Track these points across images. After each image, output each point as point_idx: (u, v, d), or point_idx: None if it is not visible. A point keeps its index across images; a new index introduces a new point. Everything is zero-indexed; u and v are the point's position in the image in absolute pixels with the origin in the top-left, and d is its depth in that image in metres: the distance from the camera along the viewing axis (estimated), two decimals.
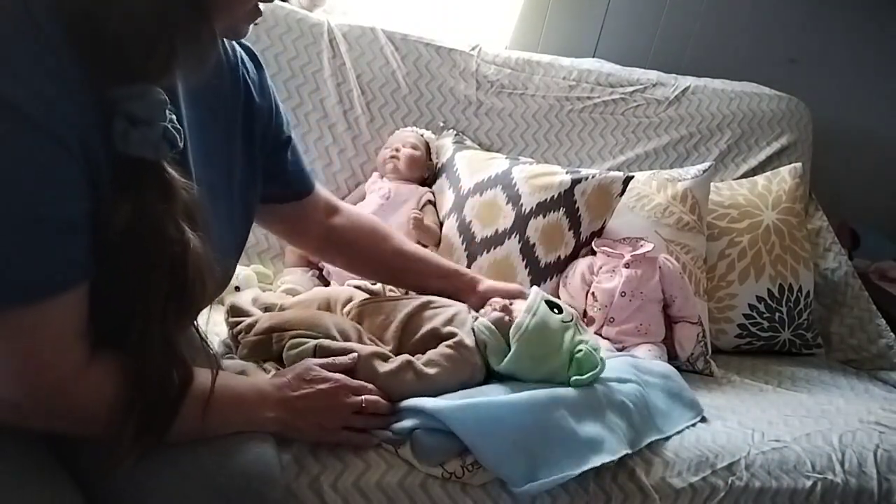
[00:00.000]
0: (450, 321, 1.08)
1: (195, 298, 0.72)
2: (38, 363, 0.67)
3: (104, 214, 0.66)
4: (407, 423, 0.96)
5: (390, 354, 1.03)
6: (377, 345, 1.06)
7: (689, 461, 1.10)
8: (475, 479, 0.96)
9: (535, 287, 1.17)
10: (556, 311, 1.10)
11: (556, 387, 1.05)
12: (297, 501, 0.92)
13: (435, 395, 0.99)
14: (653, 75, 1.89)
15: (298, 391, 0.89)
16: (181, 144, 0.70)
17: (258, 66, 0.96)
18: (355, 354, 0.98)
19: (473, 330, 1.08)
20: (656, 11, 2.02)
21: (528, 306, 1.09)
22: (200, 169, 0.80)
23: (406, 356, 1.02)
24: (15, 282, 0.63)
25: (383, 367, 0.99)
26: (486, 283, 1.21)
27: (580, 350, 1.06)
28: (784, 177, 1.78)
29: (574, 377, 1.05)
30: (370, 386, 0.96)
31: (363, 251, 1.17)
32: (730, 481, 1.10)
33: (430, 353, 1.03)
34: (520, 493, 0.95)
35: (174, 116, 0.69)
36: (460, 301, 1.16)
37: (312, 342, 1.00)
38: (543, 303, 1.10)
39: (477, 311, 1.14)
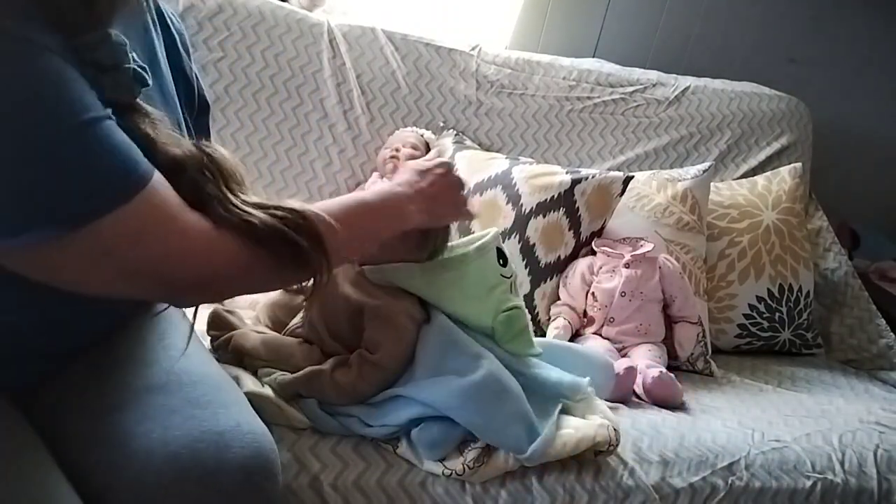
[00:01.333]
0: (347, 292, 1.04)
1: (228, 176, 0.76)
2: (171, 247, 0.70)
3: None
4: (403, 413, 0.96)
5: (347, 355, 1.01)
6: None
7: (689, 461, 1.10)
8: (476, 476, 0.96)
9: (494, 228, 1.12)
10: (501, 261, 1.08)
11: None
12: (297, 500, 0.92)
13: (409, 365, 0.99)
14: (653, 75, 1.89)
15: (426, 181, 0.95)
16: (150, 81, 0.72)
17: (179, 28, 0.95)
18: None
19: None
20: (656, 11, 2.02)
21: (481, 245, 1.06)
22: (162, 109, 0.81)
23: (356, 352, 0.99)
24: (113, 180, 0.65)
25: (346, 377, 0.97)
26: None
27: (514, 307, 1.05)
28: (784, 177, 1.78)
29: (506, 337, 1.04)
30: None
31: None
32: (730, 481, 1.10)
33: (364, 337, 1.00)
34: (527, 459, 0.95)
35: (135, 55, 0.71)
36: None
37: (278, 373, 1.01)
38: (495, 248, 1.08)
39: None
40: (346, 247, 0.82)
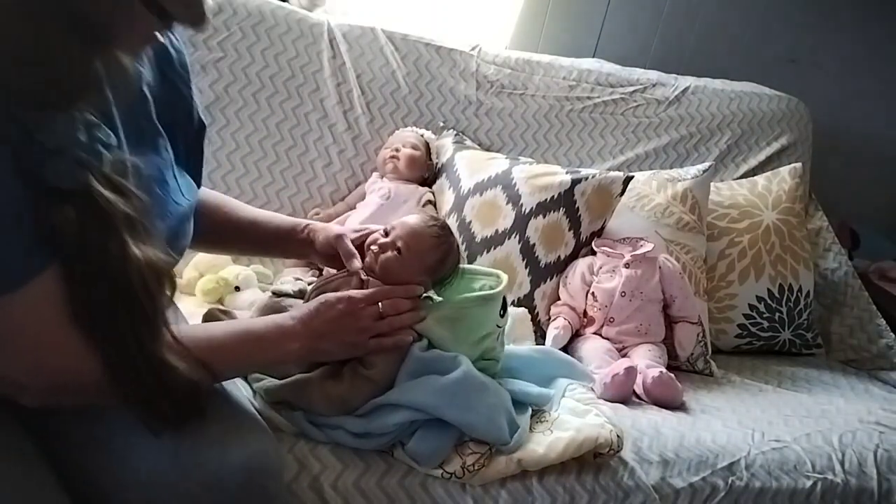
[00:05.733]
0: None
1: (145, 304, 0.71)
2: (35, 351, 0.68)
3: (46, 214, 0.65)
4: (389, 419, 0.95)
5: (337, 365, 0.99)
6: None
7: (689, 461, 1.10)
8: (475, 479, 0.97)
9: (505, 278, 1.07)
10: (501, 311, 1.06)
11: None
12: (298, 501, 0.92)
13: (399, 371, 0.98)
14: (653, 75, 1.89)
15: (318, 317, 0.91)
16: (105, 164, 0.67)
17: (178, 46, 0.91)
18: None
19: None
20: (656, 11, 2.02)
21: (488, 296, 1.03)
22: (135, 149, 0.77)
23: (349, 365, 0.98)
24: None
25: (337, 389, 0.96)
26: (320, 240, 1.07)
27: (490, 359, 1.06)
28: (784, 177, 1.78)
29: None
30: (385, 288, 0.96)
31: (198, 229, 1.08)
32: (730, 481, 1.10)
33: None
34: (510, 448, 0.98)
35: (102, 132, 0.68)
36: (306, 256, 1.10)
37: (266, 380, 1.01)
38: (501, 298, 1.06)
39: (333, 263, 1.07)
40: (218, 378, 0.84)
